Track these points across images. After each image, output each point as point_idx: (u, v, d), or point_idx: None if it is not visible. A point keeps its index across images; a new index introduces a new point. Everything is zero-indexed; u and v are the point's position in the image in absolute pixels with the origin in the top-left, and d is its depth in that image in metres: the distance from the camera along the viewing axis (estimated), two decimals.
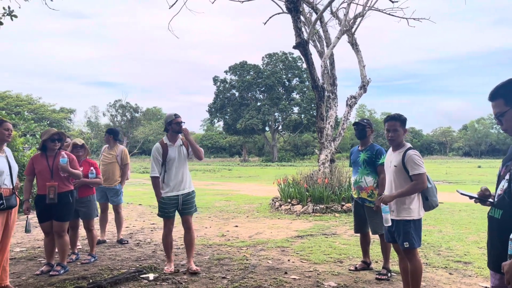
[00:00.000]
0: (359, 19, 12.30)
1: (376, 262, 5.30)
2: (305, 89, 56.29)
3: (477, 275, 4.80)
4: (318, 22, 11.97)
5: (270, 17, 11.88)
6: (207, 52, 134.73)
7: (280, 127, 59.64)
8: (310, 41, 11.36)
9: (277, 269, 5.03)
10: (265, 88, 56.83)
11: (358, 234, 5.21)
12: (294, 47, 10.33)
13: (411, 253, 3.69)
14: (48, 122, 45.17)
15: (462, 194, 2.58)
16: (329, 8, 11.98)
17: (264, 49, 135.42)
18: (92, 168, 5.52)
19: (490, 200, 2.39)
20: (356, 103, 12.09)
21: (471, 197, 2.49)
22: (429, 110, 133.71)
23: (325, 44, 12.12)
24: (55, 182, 4.78)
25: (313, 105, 52.05)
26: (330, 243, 6.46)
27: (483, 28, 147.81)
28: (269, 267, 5.13)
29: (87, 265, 5.27)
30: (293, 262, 5.40)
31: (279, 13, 11.73)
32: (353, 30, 12.26)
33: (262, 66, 59.06)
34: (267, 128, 59.62)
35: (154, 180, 4.90)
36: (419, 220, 3.74)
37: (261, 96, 58.89)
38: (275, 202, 10.51)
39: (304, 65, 54.76)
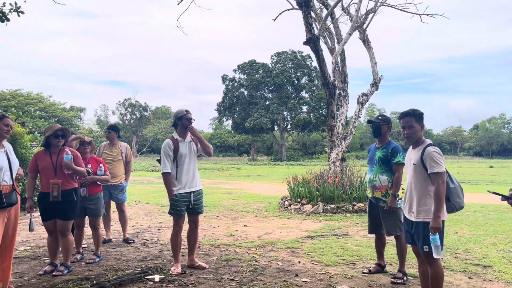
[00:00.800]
0: (371, 15, 12.05)
1: (391, 265, 5.08)
2: (314, 88, 56.01)
3: (498, 279, 4.56)
4: (329, 18, 11.74)
5: (280, 13, 11.72)
6: (216, 51, 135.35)
7: (288, 126, 59.42)
8: (321, 37, 11.15)
9: (287, 271, 4.85)
10: (274, 87, 56.65)
11: (371, 235, 5.02)
12: (305, 43, 10.15)
13: (431, 257, 3.42)
14: (57, 119, 45.48)
15: (493, 193, 2.42)
16: (340, 4, 11.75)
17: (273, 48, 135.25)
18: (101, 165, 5.51)
19: None
20: (367, 101, 11.83)
21: (503, 197, 2.33)
22: (439, 110, 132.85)
23: (336, 40, 11.88)
24: (58, 179, 4.65)
25: (322, 104, 51.80)
26: (342, 244, 6.25)
27: (495, 27, 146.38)
28: (279, 269, 4.94)
29: (91, 265, 5.13)
30: (303, 264, 5.20)
31: (289, 9, 11.56)
32: (364, 26, 12.01)
33: (271, 64, 58.91)
34: (275, 127, 59.49)
35: (166, 176, 4.75)
36: (441, 223, 3.45)
37: (270, 95, 58.71)
38: (284, 202, 10.32)
39: (314, 64, 54.74)
